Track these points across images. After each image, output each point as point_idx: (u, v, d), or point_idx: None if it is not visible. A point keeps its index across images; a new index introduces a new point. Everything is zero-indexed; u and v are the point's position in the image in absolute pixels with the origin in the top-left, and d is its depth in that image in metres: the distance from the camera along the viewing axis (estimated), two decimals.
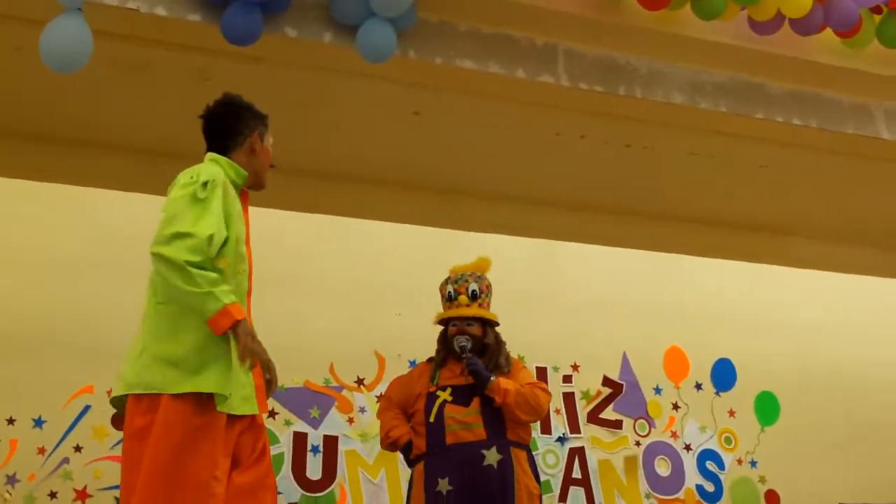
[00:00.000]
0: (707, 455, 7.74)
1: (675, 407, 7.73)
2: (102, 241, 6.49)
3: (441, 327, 5.26)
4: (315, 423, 6.79)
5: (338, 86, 5.51)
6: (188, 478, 3.44)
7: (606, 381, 7.58)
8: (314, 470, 6.70)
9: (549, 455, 7.30)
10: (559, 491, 7.21)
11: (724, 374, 7.98)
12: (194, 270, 3.50)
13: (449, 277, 5.25)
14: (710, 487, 7.66)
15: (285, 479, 6.57)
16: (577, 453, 7.37)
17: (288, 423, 6.72)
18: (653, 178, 6.78)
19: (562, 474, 7.28)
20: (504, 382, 4.93)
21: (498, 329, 5.22)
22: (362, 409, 6.90)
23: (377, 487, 6.79)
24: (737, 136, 6.02)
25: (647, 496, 7.43)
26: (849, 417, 8.17)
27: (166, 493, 3.42)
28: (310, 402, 6.83)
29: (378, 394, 6.90)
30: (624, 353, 7.67)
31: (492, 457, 4.80)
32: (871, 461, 8.00)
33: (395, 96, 5.63)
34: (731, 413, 7.91)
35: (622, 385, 7.61)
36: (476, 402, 4.91)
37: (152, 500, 3.42)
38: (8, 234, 6.32)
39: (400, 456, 6.71)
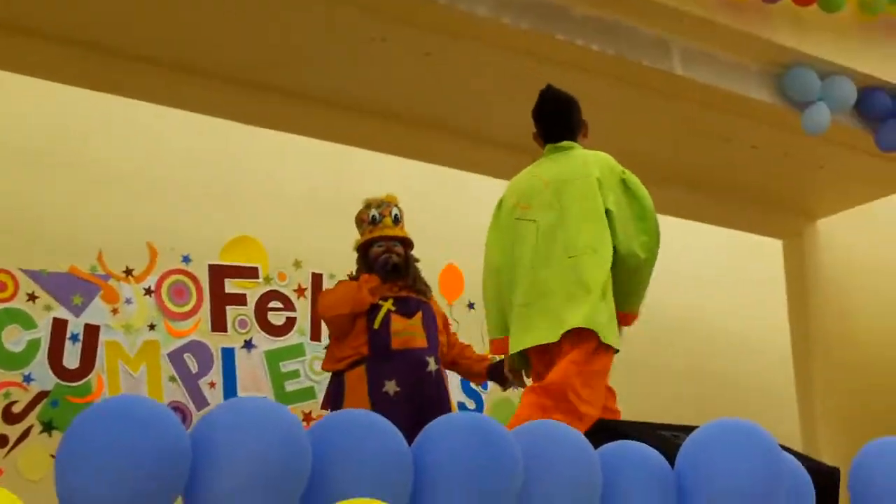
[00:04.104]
0: None
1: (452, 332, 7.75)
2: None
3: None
4: (77, 311, 6.50)
5: None
6: None
7: None
8: (72, 359, 6.41)
9: (315, 362, 7.24)
10: (321, 399, 7.15)
11: None
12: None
13: (370, 203, 5.53)
14: (471, 405, 7.74)
15: (40, 365, 6.28)
16: None
17: (48, 308, 6.40)
18: (447, 91, 6.72)
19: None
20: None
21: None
22: (128, 301, 6.66)
23: (136, 381, 6.58)
24: (537, 57, 6.00)
25: None
26: (622, 351, 8.31)
27: None
28: (73, 288, 6.52)
29: (147, 286, 6.72)
30: None
31: (432, 364, 5.24)
32: (640, 393, 8.15)
33: None
34: None
35: None
36: (419, 315, 5.30)
37: None
38: None
39: (163, 351, 6.63)
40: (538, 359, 4.47)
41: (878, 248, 9.03)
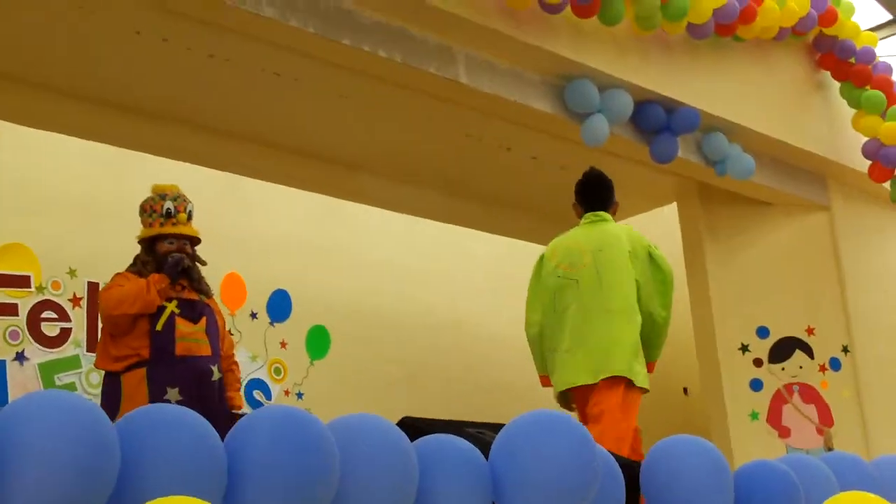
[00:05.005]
0: (255, 384, 7.69)
1: (229, 333, 7.60)
2: None
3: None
4: None
5: None
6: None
7: None
8: None
9: (92, 374, 6.98)
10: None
11: (279, 305, 7.95)
12: None
13: (164, 193, 5.23)
14: None
15: None
16: None
17: None
18: (232, 95, 6.59)
19: None
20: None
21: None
22: None
23: None
24: (323, 62, 5.91)
25: None
26: (400, 357, 8.39)
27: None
28: None
29: None
30: None
31: (216, 373, 5.09)
32: (418, 397, 8.22)
33: None
34: (283, 344, 7.90)
35: None
36: (203, 320, 5.10)
37: None
38: None
39: None
40: (579, 395, 5.48)
41: None
